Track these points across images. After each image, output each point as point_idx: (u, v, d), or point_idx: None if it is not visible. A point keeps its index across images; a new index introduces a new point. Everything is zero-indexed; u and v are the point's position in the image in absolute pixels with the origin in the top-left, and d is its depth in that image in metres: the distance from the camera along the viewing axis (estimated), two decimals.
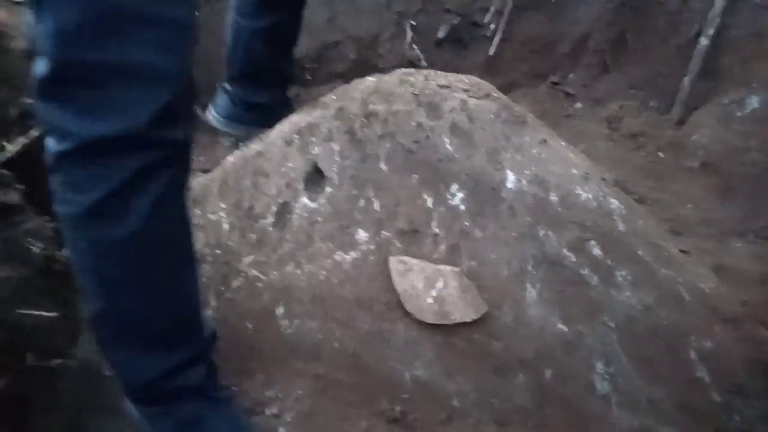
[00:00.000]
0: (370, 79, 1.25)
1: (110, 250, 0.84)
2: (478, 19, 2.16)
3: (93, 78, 0.72)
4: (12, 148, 1.20)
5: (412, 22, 2.13)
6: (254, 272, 1.22)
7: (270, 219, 1.23)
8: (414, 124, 1.15)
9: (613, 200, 1.09)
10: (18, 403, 1.08)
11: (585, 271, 1.07)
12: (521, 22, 2.18)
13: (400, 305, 1.14)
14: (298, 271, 1.20)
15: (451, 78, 1.23)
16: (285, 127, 1.26)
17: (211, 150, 1.79)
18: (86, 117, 0.74)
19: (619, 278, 1.06)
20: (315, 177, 1.22)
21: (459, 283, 1.11)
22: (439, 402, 1.14)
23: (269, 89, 1.67)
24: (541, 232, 1.09)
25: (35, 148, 1.25)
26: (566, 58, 2.19)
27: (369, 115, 1.17)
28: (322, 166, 1.20)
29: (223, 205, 1.27)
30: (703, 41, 1.92)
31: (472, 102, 1.16)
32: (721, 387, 1.02)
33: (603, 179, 1.15)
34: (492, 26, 2.15)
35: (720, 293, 1.10)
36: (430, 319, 1.12)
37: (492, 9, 2.13)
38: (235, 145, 1.62)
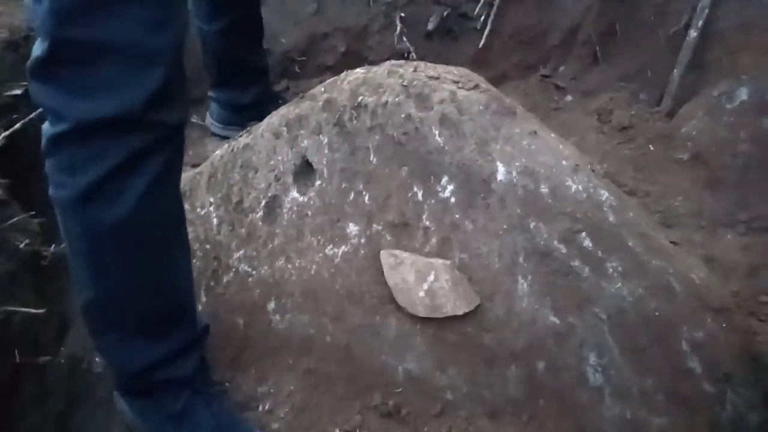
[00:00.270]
0: (359, 71, 1.23)
1: (104, 233, 0.84)
2: (468, 10, 2.15)
3: (87, 57, 0.74)
4: None
5: (402, 14, 2.12)
6: (244, 267, 1.21)
7: (260, 213, 1.22)
8: (403, 115, 1.14)
9: (603, 191, 1.09)
10: (5, 399, 1.07)
11: (576, 263, 1.07)
12: (511, 14, 2.17)
13: (391, 299, 1.14)
14: (289, 266, 1.19)
15: (440, 69, 1.22)
16: (273, 119, 1.24)
17: (200, 144, 1.77)
18: (81, 98, 0.75)
19: (610, 269, 1.06)
20: (304, 170, 1.21)
21: (450, 276, 1.10)
22: (432, 395, 1.14)
23: (251, 87, 1.71)
24: (532, 224, 1.09)
25: (20, 141, 1.23)
26: (556, 49, 2.19)
27: (358, 107, 1.16)
28: (311, 158, 1.19)
29: (211, 200, 1.25)
30: (692, 33, 1.92)
31: (462, 93, 1.15)
32: (713, 377, 1.02)
33: (593, 170, 1.15)
34: (482, 18, 2.14)
35: (710, 284, 1.10)
36: (422, 312, 1.12)
37: (482, 0, 2.12)
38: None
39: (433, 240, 1.14)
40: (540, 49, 2.20)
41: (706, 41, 1.94)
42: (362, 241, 1.16)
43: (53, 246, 1.20)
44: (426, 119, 1.13)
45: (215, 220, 1.25)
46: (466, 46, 2.18)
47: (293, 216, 1.19)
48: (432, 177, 1.13)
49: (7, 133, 1.20)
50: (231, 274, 1.22)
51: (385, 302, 1.15)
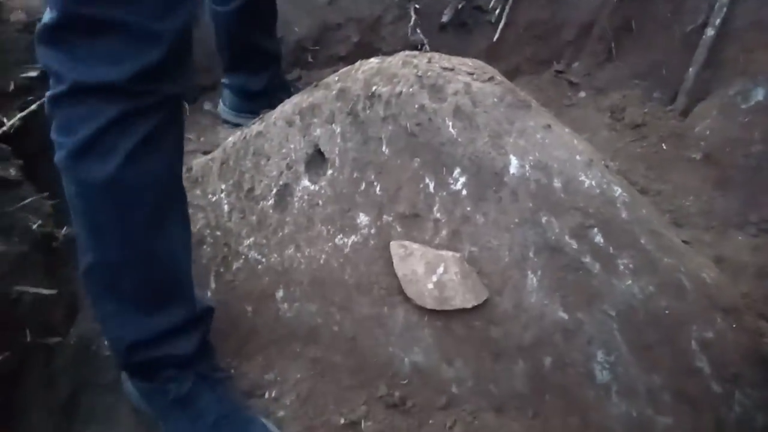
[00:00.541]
0: (373, 61, 1.23)
1: (95, 191, 0.88)
2: (483, 3, 2.13)
3: (92, 30, 0.79)
4: (10, 121, 1.18)
5: (416, 5, 2.11)
6: (254, 254, 1.22)
7: (270, 201, 1.22)
8: (417, 106, 1.14)
9: (616, 187, 1.08)
10: (14, 379, 1.08)
11: (586, 259, 1.07)
12: (525, 8, 2.16)
13: (400, 290, 1.14)
14: (298, 254, 1.19)
15: (454, 61, 1.21)
16: (287, 107, 1.24)
17: (212, 132, 1.77)
18: (80, 63, 0.81)
19: (621, 266, 1.06)
20: (316, 159, 1.21)
21: (460, 269, 1.10)
22: (438, 388, 1.14)
23: (263, 72, 1.71)
24: (543, 219, 1.08)
25: (34, 122, 1.23)
26: (570, 45, 2.17)
27: (371, 97, 1.16)
28: (323, 148, 1.19)
29: (223, 186, 1.25)
30: (710, 31, 1.90)
31: (476, 85, 1.15)
32: (721, 377, 1.01)
33: (606, 166, 1.14)
34: (496, 11, 2.12)
35: (721, 283, 1.10)
36: (430, 304, 1.11)
37: None
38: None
39: (444, 232, 1.13)
40: (554, 45, 2.18)
41: (722, 40, 1.92)
42: (372, 231, 1.16)
43: (65, 228, 1.21)
44: (439, 110, 1.13)
45: (226, 207, 1.25)
46: (479, 39, 2.16)
47: (304, 205, 1.19)
48: (444, 169, 1.13)
49: (22, 114, 1.21)
50: (241, 261, 1.23)
51: (394, 293, 1.15)
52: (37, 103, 1.24)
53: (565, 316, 1.07)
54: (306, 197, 1.19)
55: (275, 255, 1.21)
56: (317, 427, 1.11)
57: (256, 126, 1.26)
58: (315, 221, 1.19)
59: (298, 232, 1.19)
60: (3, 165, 1.14)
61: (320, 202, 1.18)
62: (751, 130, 1.78)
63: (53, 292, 1.10)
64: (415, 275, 1.12)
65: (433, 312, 1.12)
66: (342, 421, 1.11)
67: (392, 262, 1.13)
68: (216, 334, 1.15)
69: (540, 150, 1.10)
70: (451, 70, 1.17)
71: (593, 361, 1.06)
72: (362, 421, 1.11)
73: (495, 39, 2.13)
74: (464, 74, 1.16)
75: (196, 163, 1.32)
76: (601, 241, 1.06)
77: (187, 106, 1.81)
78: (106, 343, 1.20)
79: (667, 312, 1.03)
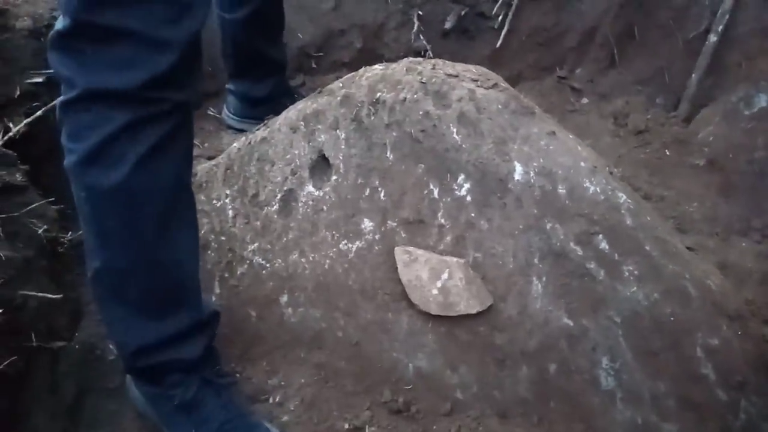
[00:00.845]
0: (378, 67, 1.23)
1: (103, 197, 0.89)
2: (486, 10, 2.14)
3: (103, 38, 0.80)
4: (16, 127, 1.19)
5: (419, 12, 2.12)
6: (258, 260, 1.22)
7: (275, 206, 1.22)
8: (421, 112, 1.14)
9: (621, 194, 1.08)
10: (19, 383, 1.08)
11: (591, 265, 1.07)
12: (528, 15, 2.16)
13: (404, 296, 1.14)
14: (303, 260, 1.19)
15: (459, 67, 1.22)
16: (291, 113, 1.24)
17: (215, 137, 1.78)
18: (91, 70, 0.82)
19: (626, 272, 1.06)
20: (321, 165, 1.21)
21: (464, 275, 1.10)
22: (442, 394, 1.14)
23: (267, 79, 1.71)
24: (548, 225, 1.09)
25: (40, 128, 1.23)
26: (573, 51, 2.18)
27: (376, 103, 1.16)
28: (327, 153, 1.19)
29: (227, 192, 1.26)
30: (712, 38, 1.91)
31: (480, 92, 1.15)
32: (726, 384, 1.01)
33: (611, 173, 1.14)
34: (499, 18, 2.13)
35: (726, 290, 1.10)
36: (435, 310, 1.11)
37: (500, 0, 2.11)
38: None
39: (448, 238, 1.14)
40: (557, 51, 2.19)
41: (725, 46, 1.92)
42: (377, 237, 1.16)
43: (70, 233, 1.21)
44: (444, 117, 1.13)
45: (231, 213, 1.25)
46: (482, 46, 2.17)
47: (308, 210, 1.20)
48: (448, 175, 1.13)
49: (28, 120, 1.21)
50: (245, 266, 1.23)
51: (398, 299, 1.15)
52: (43, 109, 1.24)
53: (569, 322, 1.07)
54: (310, 203, 1.20)
55: (279, 260, 1.21)
56: None
57: (261, 132, 1.27)
58: (319, 227, 1.19)
59: (303, 237, 1.20)
60: (9, 170, 1.15)
61: (324, 208, 1.19)
62: (754, 136, 1.79)
63: (58, 296, 1.10)
64: (419, 281, 1.12)
65: (437, 318, 1.12)
66: (346, 426, 1.11)
67: (396, 268, 1.13)
68: (220, 339, 1.15)
69: (544, 156, 1.10)
70: (456, 76, 1.17)
71: (598, 368, 1.06)
72: (366, 427, 1.11)
73: (498, 45, 2.13)
74: (468, 81, 1.17)
75: (200, 168, 1.32)
76: (606, 247, 1.06)
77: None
78: (111, 347, 1.20)
79: (672, 318, 1.03)
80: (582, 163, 1.10)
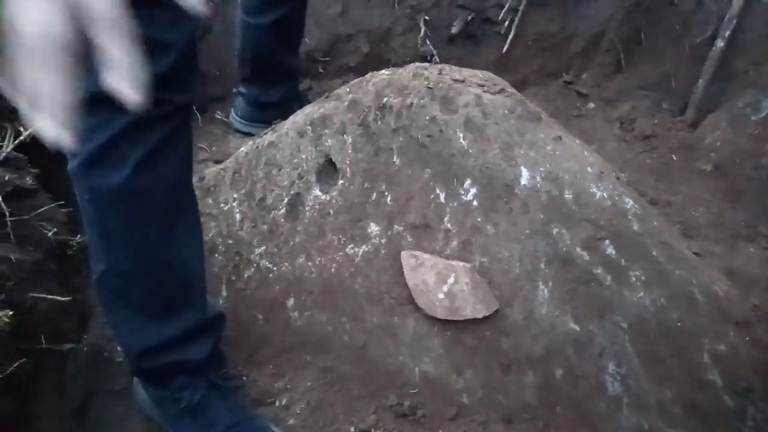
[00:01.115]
0: (384, 72, 1.24)
1: (107, 199, 0.90)
2: (492, 15, 2.15)
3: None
4: (26, 131, 1.20)
5: (426, 17, 2.12)
6: (265, 263, 1.22)
7: (282, 210, 1.22)
8: (428, 118, 1.14)
9: (627, 199, 1.08)
10: (27, 385, 1.09)
11: (598, 270, 1.07)
12: (534, 20, 2.17)
13: (410, 300, 1.14)
14: (309, 263, 1.20)
15: (465, 72, 1.22)
16: (298, 118, 1.25)
17: (223, 141, 1.79)
18: (93, 73, 0.80)
19: (633, 278, 1.06)
20: (327, 169, 1.22)
21: (470, 279, 1.10)
22: (448, 398, 1.14)
23: (280, 86, 1.72)
24: (555, 230, 1.09)
25: None
26: (579, 56, 2.18)
27: (383, 108, 1.17)
28: (334, 158, 1.20)
29: (235, 195, 1.26)
30: (719, 43, 1.90)
31: (487, 97, 1.16)
32: (733, 391, 1.01)
33: (617, 178, 1.14)
34: (505, 23, 2.14)
35: (733, 296, 1.09)
36: (441, 314, 1.12)
37: (506, 6, 2.12)
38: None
39: (454, 242, 1.14)
40: (562, 56, 2.19)
41: (732, 52, 1.92)
42: (383, 241, 1.17)
43: (79, 236, 1.22)
44: (450, 122, 1.14)
45: (238, 216, 1.26)
46: (488, 51, 2.17)
47: (315, 214, 1.20)
48: (455, 180, 1.13)
49: None
50: (252, 269, 1.23)
51: (404, 303, 1.15)
52: None
53: (576, 327, 1.07)
54: (317, 207, 1.20)
55: (286, 264, 1.21)
56: None
57: (268, 136, 1.27)
58: (326, 231, 1.19)
59: (309, 241, 1.20)
60: (19, 174, 1.16)
61: (331, 212, 1.19)
62: (761, 141, 1.78)
63: (67, 299, 1.11)
64: (425, 285, 1.12)
65: (443, 322, 1.13)
66: (352, 429, 1.11)
67: (403, 272, 1.14)
68: (227, 342, 1.16)
69: (551, 161, 1.10)
70: (462, 81, 1.18)
71: (604, 373, 1.06)
72: (372, 430, 1.11)
73: (504, 51, 2.14)
74: (475, 86, 1.17)
75: (208, 172, 1.33)
76: (613, 252, 1.06)
77: (199, 115, 1.82)
78: (118, 349, 1.21)
79: (678, 324, 1.03)
80: (588, 168, 1.10)
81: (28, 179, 1.15)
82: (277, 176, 1.24)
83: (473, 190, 1.13)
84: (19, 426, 1.09)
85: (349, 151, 1.19)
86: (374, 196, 1.18)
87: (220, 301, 1.23)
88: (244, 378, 1.18)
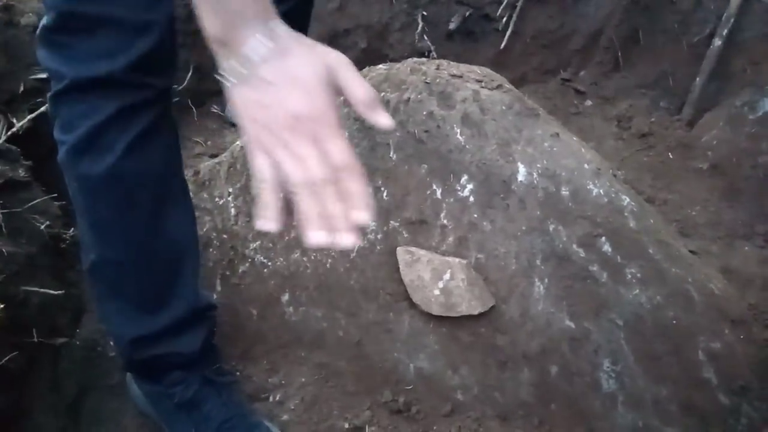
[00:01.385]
0: (382, 67, 1.23)
1: (95, 186, 0.90)
2: (490, 12, 2.14)
3: (88, 27, 0.82)
4: (19, 123, 1.19)
5: (424, 13, 2.12)
6: (260, 258, 1.22)
7: None
8: (425, 113, 1.14)
9: (624, 197, 1.08)
10: (20, 380, 1.08)
11: (594, 268, 1.06)
12: (533, 17, 2.17)
13: (406, 296, 1.13)
14: (305, 259, 1.19)
15: (463, 68, 1.22)
16: None
17: (218, 135, 1.78)
18: (77, 61, 0.84)
19: (629, 275, 1.05)
20: None
21: (466, 276, 1.10)
22: (443, 395, 1.13)
23: None
24: (551, 227, 1.08)
25: (44, 124, 1.23)
26: (577, 54, 2.18)
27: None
28: None
29: (230, 190, 1.26)
30: (717, 42, 1.90)
31: (485, 93, 1.15)
32: (729, 389, 1.01)
33: (614, 175, 1.14)
34: (503, 20, 2.13)
35: (729, 295, 1.09)
36: (436, 310, 1.11)
37: (504, 2, 2.11)
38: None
39: (450, 239, 1.13)
40: (561, 53, 2.19)
41: (729, 50, 1.92)
42: (379, 237, 1.16)
43: (72, 229, 1.21)
44: (448, 117, 1.13)
45: (233, 211, 1.25)
46: (486, 48, 2.17)
47: None
48: (451, 175, 1.13)
49: (31, 116, 1.22)
50: (247, 264, 1.23)
51: (400, 299, 1.15)
52: (47, 104, 1.24)
53: (571, 324, 1.07)
54: None
55: (281, 259, 1.21)
56: (321, 431, 1.10)
57: None
58: None
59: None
60: (12, 166, 1.15)
61: None
62: (758, 140, 1.79)
63: (60, 293, 1.10)
64: (421, 281, 1.11)
65: (438, 318, 1.12)
66: (346, 426, 1.11)
67: (398, 268, 1.13)
68: (221, 337, 1.15)
69: (548, 158, 1.10)
70: (460, 77, 1.17)
71: (600, 371, 1.06)
72: (366, 427, 1.10)
73: (502, 47, 2.14)
74: (473, 82, 1.17)
75: (203, 166, 1.32)
76: (609, 250, 1.06)
77: (194, 109, 1.81)
78: (111, 343, 1.20)
79: (674, 322, 1.03)
80: (585, 166, 1.10)
81: (21, 172, 1.14)
82: None
83: (470, 186, 1.13)
84: (12, 421, 1.08)
85: None
86: (370, 191, 1.17)
87: (215, 296, 1.23)
88: (239, 373, 1.18)
